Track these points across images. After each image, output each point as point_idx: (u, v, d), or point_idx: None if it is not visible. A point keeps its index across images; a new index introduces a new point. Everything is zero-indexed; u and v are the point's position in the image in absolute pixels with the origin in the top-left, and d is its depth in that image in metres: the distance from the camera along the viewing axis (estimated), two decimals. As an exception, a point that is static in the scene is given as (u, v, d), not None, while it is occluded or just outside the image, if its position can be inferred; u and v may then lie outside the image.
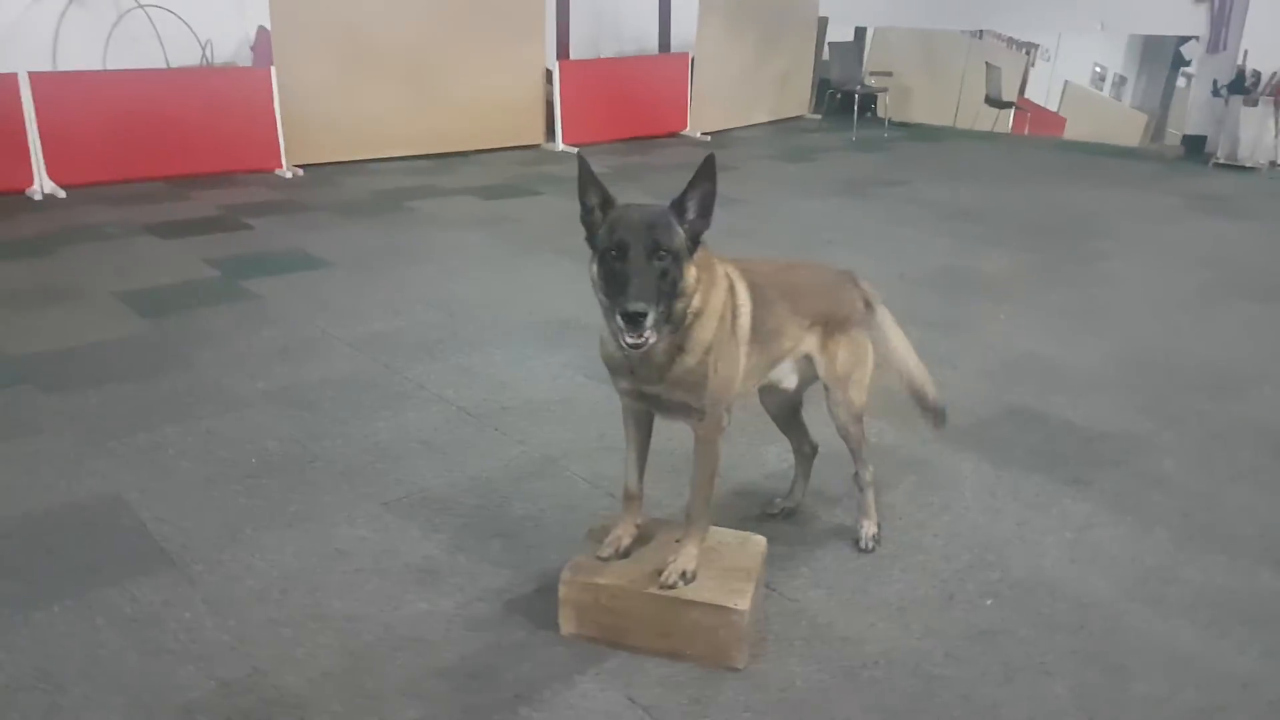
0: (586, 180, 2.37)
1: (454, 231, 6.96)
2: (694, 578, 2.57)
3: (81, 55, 9.09)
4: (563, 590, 2.62)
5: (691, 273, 2.33)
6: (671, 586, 2.54)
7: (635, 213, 2.30)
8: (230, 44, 9.78)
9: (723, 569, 2.64)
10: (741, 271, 2.65)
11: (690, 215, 2.32)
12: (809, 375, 2.99)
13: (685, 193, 2.32)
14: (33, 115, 7.59)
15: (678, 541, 2.67)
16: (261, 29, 9.39)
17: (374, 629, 2.65)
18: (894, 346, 3.13)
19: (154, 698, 2.36)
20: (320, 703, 2.37)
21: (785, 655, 2.60)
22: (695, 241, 2.34)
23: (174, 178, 8.28)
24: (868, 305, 3.05)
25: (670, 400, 2.52)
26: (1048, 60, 14.03)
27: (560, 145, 10.61)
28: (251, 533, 3.09)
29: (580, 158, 2.39)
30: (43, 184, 7.73)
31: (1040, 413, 4.15)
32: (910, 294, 5.76)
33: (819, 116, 13.56)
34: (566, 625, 2.64)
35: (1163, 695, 2.47)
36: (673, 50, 12.40)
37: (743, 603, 2.50)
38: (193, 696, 2.37)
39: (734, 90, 12.16)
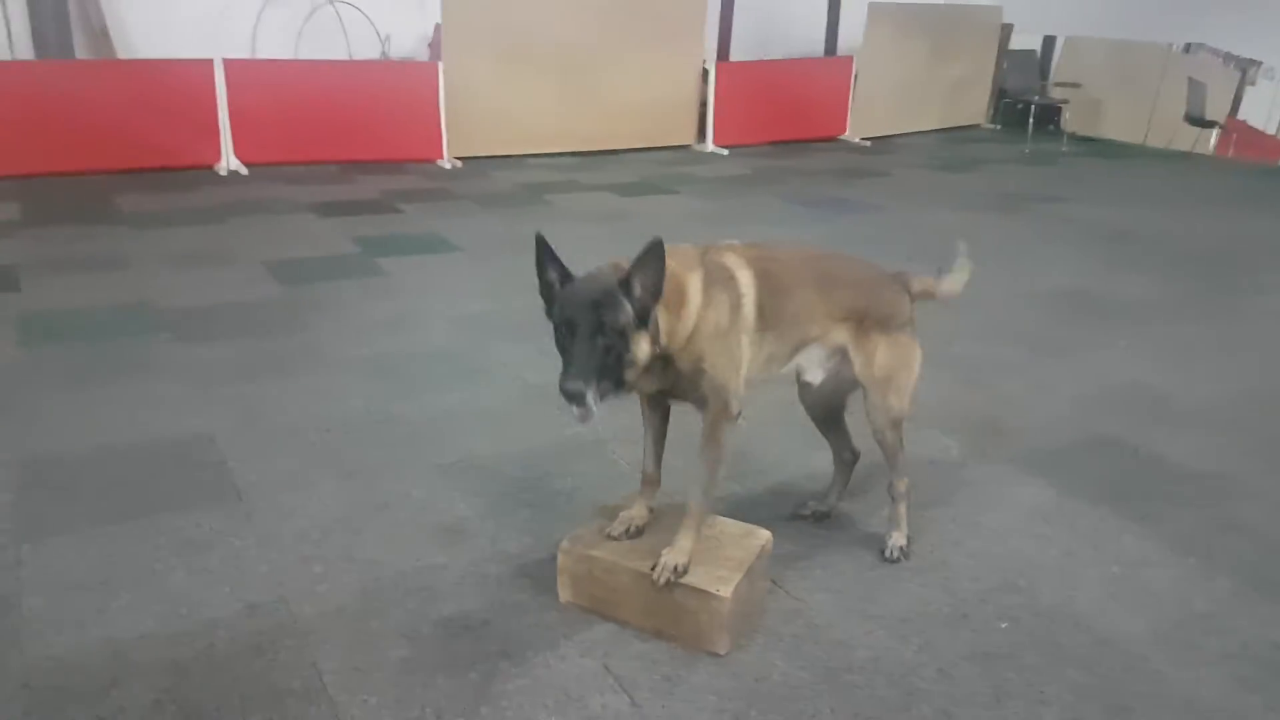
0: (545, 257, 2.37)
1: (580, 225, 7.19)
2: (685, 571, 2.57)
3: (276, 46, 9.93)
4: (560, 559, 2.74)
5: (642, 344, 2.33)
6: (663, 582, 2.56)
7: (584, 290, 2.31)
8: (409, 40, 10.42)
9: (717, 557, 2.67)
10: (749, 259, 2.65)
11: (638, 292, 2.29)
12: (846, 375, 2.95)
13: (631, 271, 2.29)
14: (224, 98, 8.39)
15: (647, 507, 2.77)
16: (438, 26, 9.97)
17: (391, 575, 2.85)
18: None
19: (187, 610, 2.65)
20: (325, 633, 2.58)
21: (771, 648, 2.62)
22: (645, 315, 2.31)
23: (345, 162, 8.94)
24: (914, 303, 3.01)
25: (673, 393, 2.60)
26: (1271, 79, 12.95)
27: (710, 146, 10.72)
28: (313, 479, 3.38)
29: (539, 236, 2.38)
30: (229, 161, 8.54)
31: (1130, 445, 3.92)
32: (1027, 313, 5.54)
33: (996, 127, 13.08)
34: (564, 593, 2.76)
35: (1159, 740, 2.34)
36: (840, 54, 12.27)
37: (725, 590, 2.54)
38: (220, 614, 2.64)
39: (900, 96, 11.91)
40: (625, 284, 2.29)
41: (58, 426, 3.69)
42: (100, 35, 9.19)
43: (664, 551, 2.62)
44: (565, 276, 2.35)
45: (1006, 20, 13.00)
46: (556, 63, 9.68)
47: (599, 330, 2.26)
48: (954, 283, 3.15)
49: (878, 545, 3.10)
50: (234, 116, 8.47)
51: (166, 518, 3.09)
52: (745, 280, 2.61)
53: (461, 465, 3.53)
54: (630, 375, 2.35)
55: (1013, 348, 4.97)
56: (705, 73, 10.68)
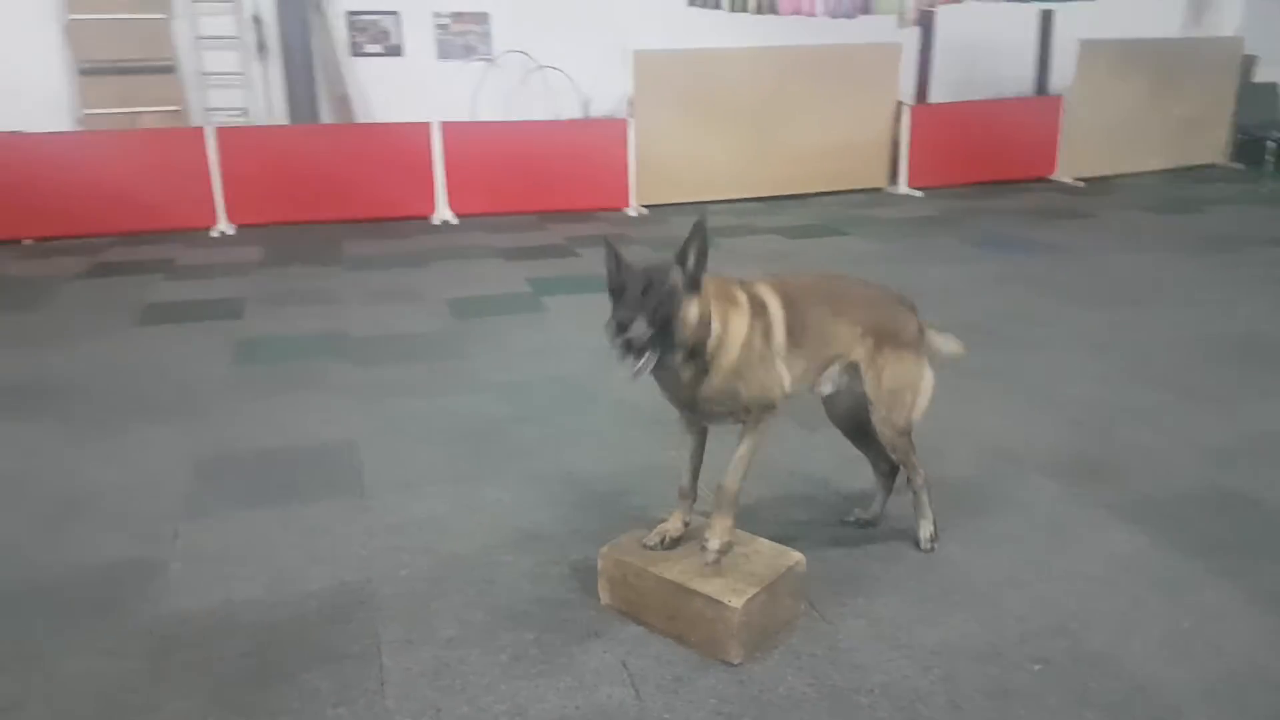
0: (613, 257, 2.64)
1: (740, 266, 7.36)
2: (729, 548, 2.86)
3: (494, 108, 10.94)
4: (600, 563, 3.00)
5: (692, 309, 2.58)
6: (715, 563, 2.82)
7: (638, 264, 2.61)
8: (610, 100, 11.13)
9: (742, 571, 2.84)
10: (774, 286, 2.92)
11: (690, 263, 2.59)
12: (856, 389, 3.12)
13: (684, 247, 2.60)
14: (440, 156, 9.38)
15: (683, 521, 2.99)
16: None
17: (462, 567, 3.22)
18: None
19: (289, 584, 3.13)
20: (393, 609, 2.98)
21: (786, 664, 2.74)
22: (695, 283, 2.61)
23: (543, 212, 9.70)
24: (922, 331, 3.20)
25: (711, 413, 2.85)
26: None
27: (903, 188, 10.64)
28: (426, 483, 3.83)
29: (606, 240, 2.72)
30: (442, 212, 9.51)
31: (1256, 499, 3.66)
32: (1187, 358, 5.21)
33: (1237, 165, 12.03)
34: (603, 595, 3.01)
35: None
36: (1052, 93, 11.80)
37: (736, 601, 2.69)
38: (315, 588, 3.10)
39: (1117, 134, 11.28)
40: (681, 255, 2.59)
41: (237, 429, 4.39)
42: (341, 101, 10.53)
43: (706, 536, 2.86)
44: (623, 264, 2.63)
45: (1249, 52, 12.01)
46: (743, 111, 10.06)
47: (649, 286, 2.51)
48: (942, 342, 3.31)
49: (929, 584, 3.12)
50: (449, 172, 9.45)
51: (297, 507, 3.63)
52: (774, 308, 2.87)
53: (554, 478, 3.87)
54: (684, 334, 2.56)
55: (1156, 392, 4.71)
56: (900, 114, 10.66)
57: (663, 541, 2.98)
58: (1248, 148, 11.94)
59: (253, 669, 2.70)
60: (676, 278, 2.58)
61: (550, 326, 5.98)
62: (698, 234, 2.60)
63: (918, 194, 10.55)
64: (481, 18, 11.16)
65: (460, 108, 10.78)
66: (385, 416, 4.52)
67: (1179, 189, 10.84)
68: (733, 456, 2.87)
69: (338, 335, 5.82)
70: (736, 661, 2.72)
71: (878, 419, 3.13)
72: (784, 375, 2.87)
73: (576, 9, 11.08)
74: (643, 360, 2.52)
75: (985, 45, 12.43)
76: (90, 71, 9.86)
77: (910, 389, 3.14)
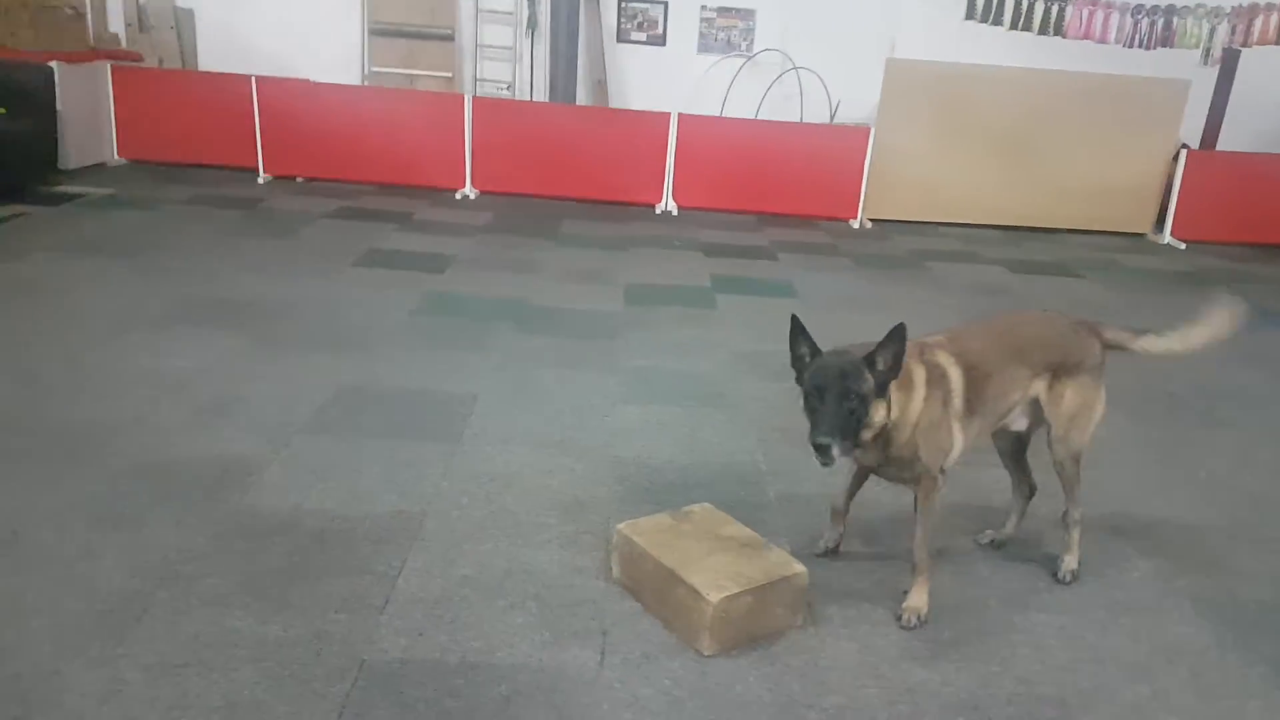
0: (798, 334, 2.86)
1: (944, 294, 7.16)
2: (926, 618, 3.02)
3: (746, 105, 11.12)
4: (614, 538, 3.14)
5: (880, 411, 2.78)
6: (909, 627, 3.00)
7: (833, 362, 2.77)
8: (862, 108, 10.96)
9: (734, 569, 2.89)
10: (956, 355, 3.04)
11: (880, 367, 2.74)
12: (1038, 416, 3.29)
13: (877, 350, 2.74)
14: (674, 147, 9.68)
15: (904, 593, 3.09)
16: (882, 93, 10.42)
17: (509, 520, 3.47)
18: (1179, 348, 3.36)
19: (358, 503, 3.51)
20: (429, 543, 3.28)
21: (754, 666, 2.77)
22: (884, 388, 2.77)
23: (765, 214, 9.78)
24: (1106, 351, 3.28)
25: (887, 476, 3.08)
26: None
27: (1167, 238, 9.71)
28: (517, 442, 4.12)
29: (794, 316, 2.88)
30: (667, 202, 9.83)
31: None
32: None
33: None
34: (614, 569, 3.15)
35: None
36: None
37: (714, 595, 2.76)
38: (376, 510, 3.47)
39: None
40: (870, 360, 2.74)
41: (385, 367, 4.88)
42: (599, 85, 11.12)
43: (906, 600, 3.06)
44: (815, 351, 2.84)
45: None
46: (995, 133, 9.61)
47: (845, 396, 2.70)
48: (1157, 343, 3.32)
49: (941, 627, 3.02)
50: (679, 164, 9.73)
51: (400, 442, 4.03)
52: (955, 377, 3.01)
53: (631, 460, 4.03)
54: (866, 435, 2.78)
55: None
56: (1177, 159, 9.74)
57: (825, 550, 3.35)
58: None
59: (288, 567, 3.08)
60: (869, 385, 2.73)
61: (712, 323, 6.11)
62: (895, 340, 2.73)
63: (1180, 245, 9.60)
64: (747, 14, 11.39)
65: (712, 101, 11.06)
66: (515, 379, 4.86)
67: None
68: (915, 535, 3.04)
69: (517, 302, 6.25)
70: (707, 653, 2.78)
71: (1054, 440, 3.26)
72: (957, 438, 3.03)
73: (845, 13, 11.07)
74: (835, 460, 2.72)
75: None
76: (380, 33, 11.09)
77: (1088, 412, 3.25)
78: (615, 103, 11.26)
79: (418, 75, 11.22)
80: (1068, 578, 3.34)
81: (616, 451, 4.10)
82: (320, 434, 4.07)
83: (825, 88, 11.01)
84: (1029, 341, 3.21)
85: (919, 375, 2.90)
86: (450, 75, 11.28)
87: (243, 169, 9.75)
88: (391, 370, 4.87)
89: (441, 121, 9.80)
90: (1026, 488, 3.50)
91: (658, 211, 9.80)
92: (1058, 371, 3.19)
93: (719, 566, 2.90)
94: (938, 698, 2.69)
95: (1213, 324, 3.34)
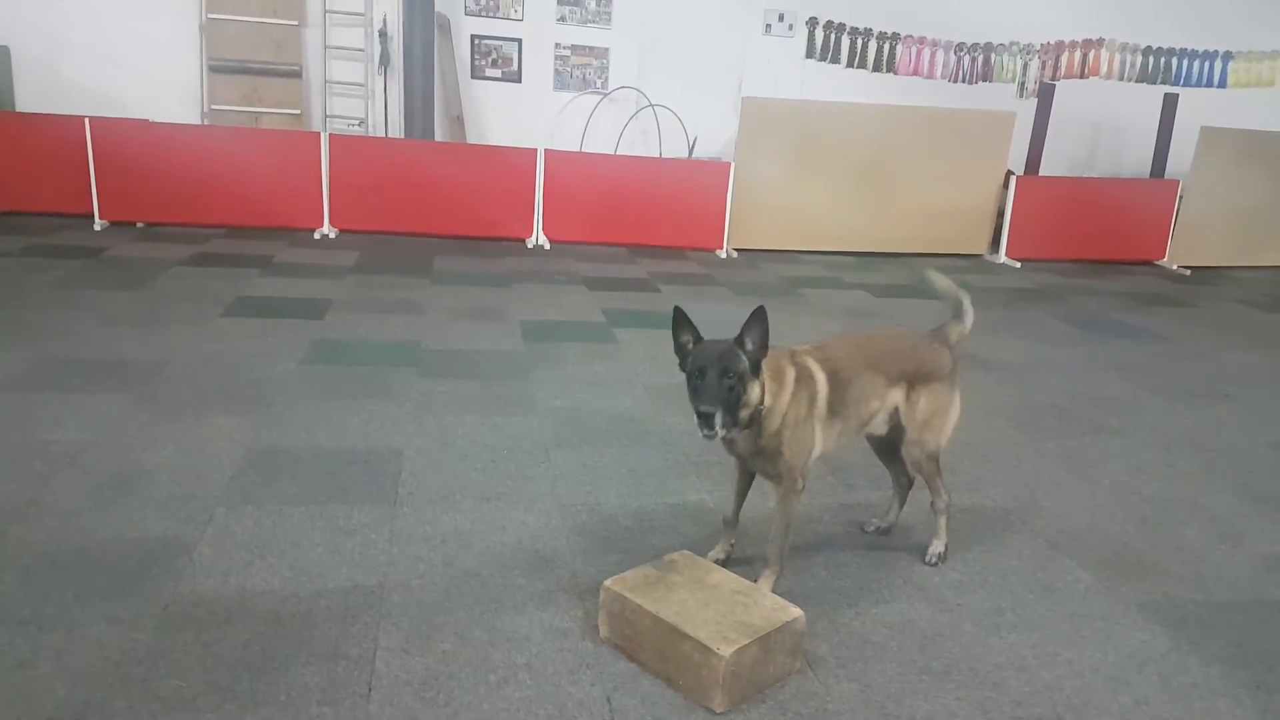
0: (681, 323, 3.08)
1: (820, 319, 7.38)
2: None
3: (603, 141, 11.18)
4: (602, 596, 3.02)
5: (754, 389, 3.04)
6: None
7: (712, 347, 3.03)
8: (717, 142, 11.27)
9: (736, 619, 2.83)
10: (821, 361, 3.32)
11: (750, 347, 3.02)
12: (898, 422, 3.55)
13: (743, 332, 3.01)
14: (541, 183, 9.61)
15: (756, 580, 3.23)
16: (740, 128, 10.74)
17: (474, 584, 3.28)
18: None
19: (308, 579, 3.24)
20: (398, 618, 3.06)
21: (767, 718, 2.71)
22: (756, 366, 3.03)
23: (635, 245, 9.83)
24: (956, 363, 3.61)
25: (756, 466, 3.33)
26: None
27: (1002, 258, 10.42)
28: (459, 498, 3.92)
29: (676, 308, 3.09)
30: (537, 237, 9.73)
31: (1305, 614, 3.48)
32: (1268, 464, 4.95)
33: (1366, 268, 11.42)
34: (602, 629, 3.03)
35: None
36: (1170, 177, 11.42)
37: (725, 649, 2.69)
38: (329, 587, 3.21)
39: (1236, 225, 10.87)
40: (739, 341, 3.01)
41: (294, 427, 4.57)
42: (456, 121, 10.92)
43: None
44: (697, 339, 3.07)
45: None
46: (847, 165, 10.03)
47: (725, 374, 2.96)
48: (961, 326, 3.69)
49: (932, 658, 3.07)
50: (547, 199, 9.66)
51: (333, 508, 3.76)
52: (820, 380, 3.28)
53: (582, 507, 3.92)
54: (744, 413, 3.03)
55: (1225, 495, 4.50)
56: (1008, 184, 10.47)
57: (717, 561, 3.44)
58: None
59: (251, 658, 2.80)
60: (744, 364, 2.99)
61: (616, 358, 6.06)
62: (757, 321, 3.00)
63: (1015, 265, 10.32)
64: (601, 52, 11.48)
65: (570, 137, 11.07)
66: (436, 429, 4.65)
67: (1295, 287, 10.34)
68: (770, 537, 3.33)
69: (411, 346, 6.00)
70: (720, 711, 2.71)
71: (909, 443, 3.55)
72: (819, 439, 3.29)
73: (695, 53, 11.34)
74: (717, 430, 2.98)
75: (1106, 123, 12.17)
76: (220, 69, 10.51)
77: (941, 416, 3.55)
78: (473, 138, 11.09)
79: (262, 113, 10.68)
80: (934, 559, 3.65)
81: (564, 499, 3.98)
82: (243, 505, 3.74)
83: (682, 124, 11.22)
84: (884, 353, 3.52)
85: (790, 373, 3.17)
86: (298, 112, 10.80)
87: (75, 215, 8.98)
88: (301, 428, 4.55)
89: (296, 160, 9.38)
90: (905, 479, 3.83)
91: (529, 245, 9.68)
92: (912, 380, 3.50)
93: (719, 618, 2.84)
94: (948, 730, 2.73)
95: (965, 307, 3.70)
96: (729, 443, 3.21)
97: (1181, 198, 10.65)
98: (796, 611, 2.92)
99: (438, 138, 10.88)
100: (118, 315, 6.24)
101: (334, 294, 7.17)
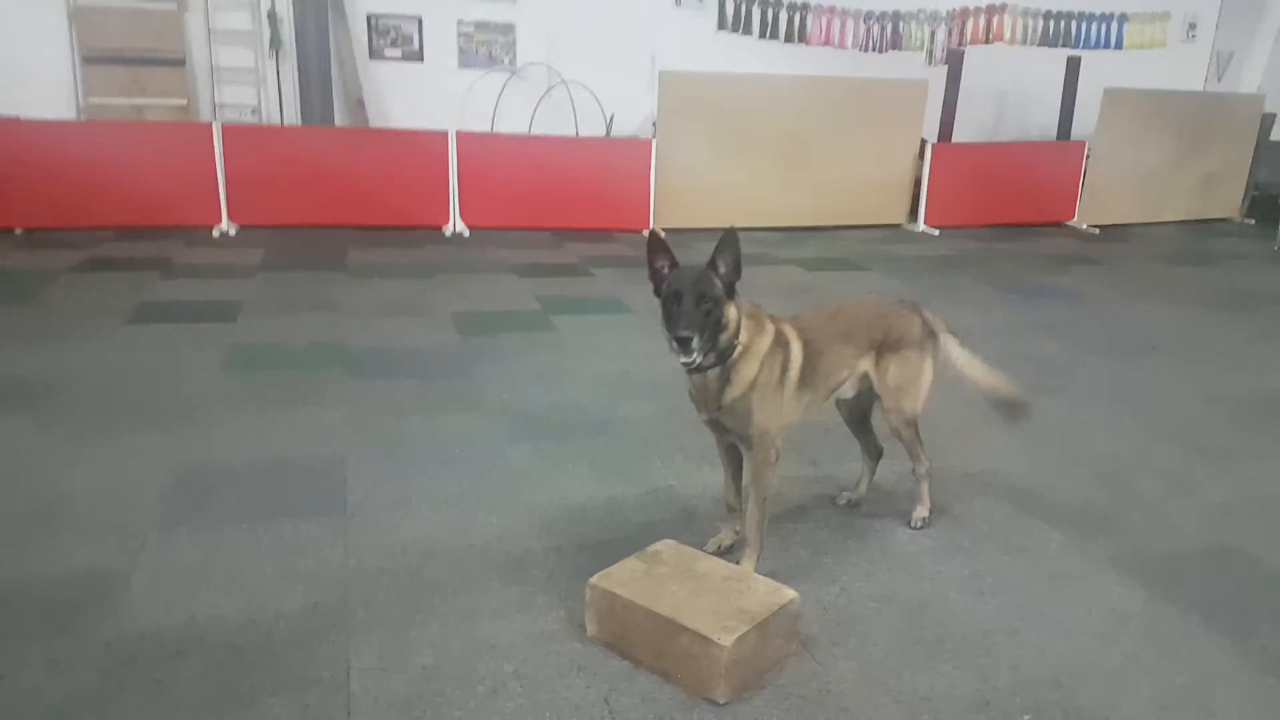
0: (657, 248, 3.02)
1: (759, 296, 7.26)
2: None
3: (515, 121, 10.88)
4: (589, 594, 2.87)
5: (730, 312, 2.96)
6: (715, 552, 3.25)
7: (686, 272, 2.95)
8: (634, 120, 11.07)
9: (733, 607, 2.72)
10: (798, 330, 3.27)
11: (722, 270, 2.94)
12: (868, 389, 3.55)
13: (714, 255, 2.94)
14: (455, 166, 9.30)
15: (737, 564, 3.15)
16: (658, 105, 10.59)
17: (445, 593, 3.09)
18: (960, 365, 3.66)
19: (262, 602, 3.00)
20: (367, 635, 2.85)
21: (773, 705, 2.62)
22: (730, 289, 2.97)
23: (560, 229, 9.59)
24: (931, 332, 3.59)
25: (727, 424, 3.17)
26: None
27: (921, 226, 10.54)
28: (413, 504, 3.70)
29: (652, 232, 2.92)
30: (455, 224, 9.42)
31: (1255, 557, 3.57)
32: (1203, 416, 5.09)
33: (1250, 222, 11.95)
34: (590, 627, 2.88)
35: None
36: (1076, 139, 11.73)
37: (726, 639, 2.57)
38: (287, 608, 2.97)
39: (1138, 184, 11.21)
40: (712, 265, 2.93)
41: (222, 440, 4.27)
42: (357, 105, 10.49)
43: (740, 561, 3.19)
44: (673, 264, 3.00)
45: (1269, 110, 11.95)
46: (768, 139, 9.95)
47: (701, 298, 2.88)
48: (955, 347, 3.67)
49: (923, 628, 3.01)
50: (462, 184, 9.35)
51: (276, 524, 3.50)
52: (796, 350, 3.24)
53: (548, 504, 3.74)
54: (723, 337, 2.95)
55: (1167, 448, 4.59)
56: (922, 153, 10.58)
57: (719, 548, 3.36)
58: (1262, 205, 11.88)
59: (211, 693, 2.57)
60: (719, 288, 2.91)
61: (558, 348, 5.87)
62: (729, 243, 2.94)
63: (934, 232, 10.44)
64: (507, 28, 11.16)
65: (479, 118, 10.74)
66: (378, 433, 4.40)
67: (1193, 242, 10.75)
68: (748, 513, 3.25)
69: (336, 346, 5.71)
70: (723, 701, 2.60)
71: (887, 410, 3.54)
72: (787, 408, 3.24)
73: (603, 25, 11.08)
74: (694, 357, 2.90)
75: (1012, 89, 12.41)
76: (95, 60, 9.84)
77: (914, 383, 3.53)
78: (376, 122, 10.65)
79: (146, 105, 10.06)
80: (918, 524, 3.64)
81: (527, 497, 3.79)
82: (177, 528, 3.44)
83: (597, 101, 11.01)
84: (853, 323, 3.51)
85: (770, 329, 3.13)
86: (184, 102, 10.20)
87: (-59, 224, 8.32)
88: (230, 441, 4.25)
89: (187, 153, 8.85)
90: (874, 450, 3.81)
91: (447, 234, 9.37)
92: (881, 348, 3.49)
93: (714, 607, 2.72)
94: (951, 702, 2.67)
95: (994, 385, 3.68)
96: (700, 393, 3.12)
97: (1089, 159, 10.94)
98: (791, 594, 2.82)
99: (338, 123, 10.43)
100: (9, 330, 5.77)
101: (243, 295, 6.78)
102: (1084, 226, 11.02)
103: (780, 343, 3.16)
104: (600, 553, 3.32)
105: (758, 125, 9.91)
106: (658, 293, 2.99)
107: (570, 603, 3.02)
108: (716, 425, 3.23)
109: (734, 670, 2.60)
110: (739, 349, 3.02)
